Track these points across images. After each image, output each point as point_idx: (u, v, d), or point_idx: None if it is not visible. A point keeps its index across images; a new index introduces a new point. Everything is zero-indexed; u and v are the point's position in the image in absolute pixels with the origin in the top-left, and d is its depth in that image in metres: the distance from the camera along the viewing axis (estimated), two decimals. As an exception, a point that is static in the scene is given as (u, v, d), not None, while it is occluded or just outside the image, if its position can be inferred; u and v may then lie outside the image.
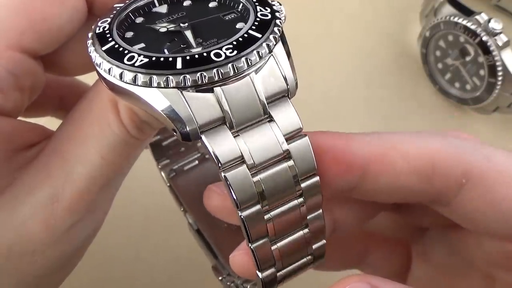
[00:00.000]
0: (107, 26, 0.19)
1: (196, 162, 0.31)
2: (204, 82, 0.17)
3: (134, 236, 0.37)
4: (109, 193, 0.22)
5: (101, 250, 0.35)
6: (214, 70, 0.17)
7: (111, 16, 0.19)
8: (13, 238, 0.20)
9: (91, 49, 0.18)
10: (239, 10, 0.20)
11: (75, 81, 0.28)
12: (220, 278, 0.28)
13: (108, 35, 0.18)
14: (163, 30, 0.19)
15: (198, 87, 0.17)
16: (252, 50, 0.17)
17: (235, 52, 0.17)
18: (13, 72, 0.20)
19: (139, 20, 0.20)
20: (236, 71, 0.17)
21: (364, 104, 0.43)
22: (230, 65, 0.17)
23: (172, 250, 0.36)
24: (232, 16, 0.19)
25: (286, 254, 0.19)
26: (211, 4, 0.20)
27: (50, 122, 0.29)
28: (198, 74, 0.17)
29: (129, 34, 0.19)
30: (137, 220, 0.37)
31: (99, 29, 0.19)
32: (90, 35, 0.19)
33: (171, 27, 0.19)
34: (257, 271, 0.19)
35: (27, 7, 0.20)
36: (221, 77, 0.17)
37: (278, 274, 0.20)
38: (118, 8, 0.20)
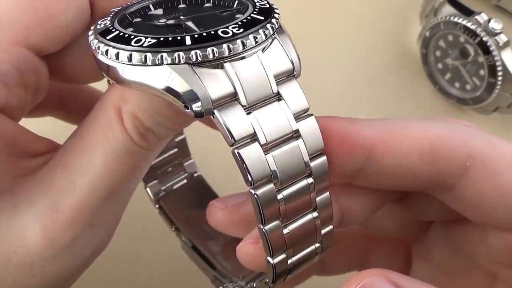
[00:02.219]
0: (108, 23, 0.19)
1: (185, 181, 0.31)
2: (214, 57, 0.17)
3: (133, 235, 0.37)
4: (113, 208, 0.21)
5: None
6: (224, 45, 0.17)
7: (110, 15, 0.19)
8: (11, 247, 0.19)
9: (94, 42, 0.18)
10: (234, 7, 0.20)
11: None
12: (221, 287, 0.28)
13: (111, 28, 0.18)
14: (162, 24, 0.19)
15: (208, 63, 0.17)
16: (258, 29, 0.17)
17: (242, 29, 0.17)
18: (18, 67, 0.20)
19: (137, 20, 0.20)
20: (245, 46, 0.17)
21: (364, 104, 0.43)
22: (239, 40, 0.17)
23: (172, 250, 0.36)
24: (229, 12, 0.20)
25: (297, 239, 0.19)
26: (206, 5, 0.20)
27: (50, 122, 0.29)
28: (209, 49, 0.17)
29: (130, 30, 0.19)
30: (136, 218, 0.37)
31: (100, 26, 0.19)
32: (91, 32, 0.19)
33: (171, 21, 0.19)
34: (268, 257, 0.19)
35: (33, 4, 0.20)
36: (231, 52, 0.17)
37: (289, 261, 0.20)
38: (116, 10, 0.20)
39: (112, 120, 0.19)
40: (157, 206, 0.31)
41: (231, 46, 0.17)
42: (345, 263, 0.27)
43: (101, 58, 0.18)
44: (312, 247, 0.20)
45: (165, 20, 0.19)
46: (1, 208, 0.20)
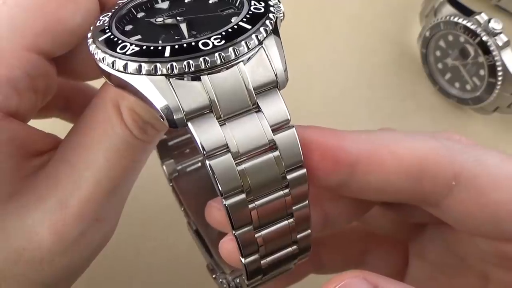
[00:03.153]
0: (107, 20, 0.19)
1: (199, 164, 0.31)
2: (191, 70, 0.17)
3: (133, 234, 0.37)
4: (116, 201, 0.22)
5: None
6: (201, 59, 0.17)
7: (113, 10, 0.20)
8: (22, 244, 0.20)
9: (90, 41, 0.19)
10: (236, 5, 0.20)
11: (80, 83, 0.28)
12: (214, 276, 0.29)
13: (107, 28, 0.19)
14: (160, 23, 0.20)
15: (185, 75, 0.17)
16: (240, 41, 0.17)
17: (223, 42, 0.17)
18: (28, 73, 0.21)
19: (140, 15, 0.20)
20: (223, 60, 0.17)
21: (364, 104, 0.43)
22: (217, 54, 0.17)
23: (172, 249, 0.36)
24: (230, 11, 0.20)
25: (269, 240, 0.20)
26: (211, 0, 0.21)
27: (56, 123, 0.29)
28: (185, 62, 0.17)
29: (129, 27, 0.20)
30: (136, 218, 0.37)
31: (99, 22, 0.19)
32: (91, 28, 0.19)
33: (168, 20, 0.20)
34: (240, 257, 0.20)
35: (42, 8, 0.21)
36: (208, 65, 0.17)
37: (262, 262, 0.20)
38: (120, 4, 0.20)
39: (112, 116, 0.20)
40: (170, 184, 0.31)
41: (207, 59, 0.17)
42: (343, 262, 0.27)
43: (93, 57, 0.18)
44: (288, 249, 0.21)
45: (163, 19, 0.20)
46: (12, 209, 0.20)
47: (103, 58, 0.18)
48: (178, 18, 0.19)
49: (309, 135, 0.19)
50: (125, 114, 0.20)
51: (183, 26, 0.19)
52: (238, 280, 0.26)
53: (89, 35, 0.19)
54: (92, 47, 0.18)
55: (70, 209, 0.20)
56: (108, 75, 0.18)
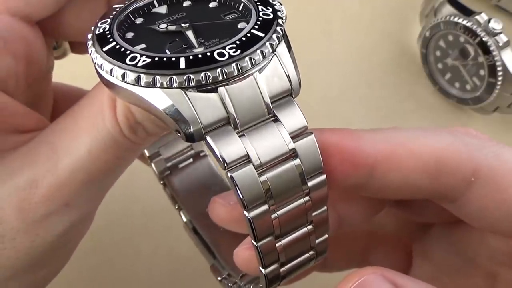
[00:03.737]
0: (107, 27, 0.18)
1: (191, 159, 0.30)
2: (208, 82, 0.16)
3: (134, 234, 0.37)
4: (93, 192, 0.21)
5: (101, 248, 0.35)
6: (218, 70, 0.16)
7: (111, 16, 0.19)
8: None
9: (91, 50, 0.18)
10: (239, 10, 0.19)
11: (69, 87, 0.28)
12: (219, 278, 0.28)
13: (109, 36, 0.18)
14: (163, 30, 0.19)
15: (201, 87, 0.17)
16: (256, 50, 0.17)
17: (239, 51, 0.17)
18: (1, 34, 0.20)
19: (139, 20, 0.20)
20: (240, 70, 0.17)
21: (364, 104, 0.43)
22: (234, 64, 0.17)
23: (172, 248, 0.36)
24: (233, 16, 0.19)
25: (290, 250, 0.20)
26: (211, 4, 0.20)
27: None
28: (202, 74, 0.16)
29: (130, 35, 0.19)
30: (137, 218, 0.37)
31: (98, 30, 0.18)
32: (90, 36, 0.18)
33: (172, 27, 0.19)
34: (260, 268, 0.19)
35: None
36: (225, 76, 0.17)
37: (281, 269, 0.20)
38: (117, 9, 0.19)
39: (105, 109, 0.19)
40: (161, 182, 0.30)
41: (225, 70, 0.17)
42: (346, 261, 0.27)
43: (98, 69, 0.18)
44: (306, 255, 0.20)
45: (166, 25, 0.19)
46: None
47: (111, 70, 0.17)
48: (182, 24, 0.19)
49: (327, 138, 0.19)
50: (119, 110, 0.19)
51: (190, 33, 0.18)
52: (251, 287, 0.26)
53: (89, 43, 0.18)
54: (96, 57, 0.17)
55: (40, 190, 0.20)
56: (117, 89, 0.17)
